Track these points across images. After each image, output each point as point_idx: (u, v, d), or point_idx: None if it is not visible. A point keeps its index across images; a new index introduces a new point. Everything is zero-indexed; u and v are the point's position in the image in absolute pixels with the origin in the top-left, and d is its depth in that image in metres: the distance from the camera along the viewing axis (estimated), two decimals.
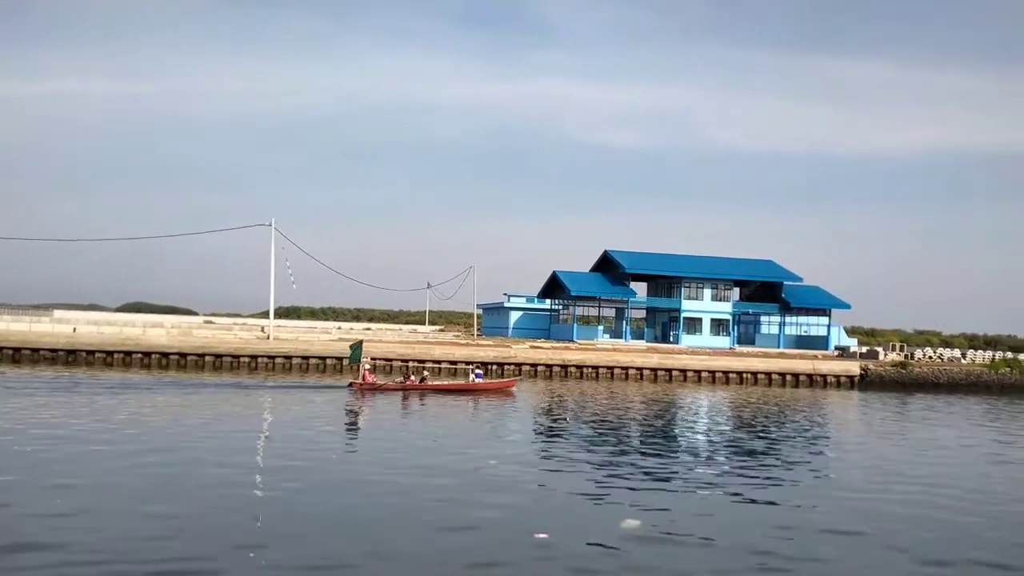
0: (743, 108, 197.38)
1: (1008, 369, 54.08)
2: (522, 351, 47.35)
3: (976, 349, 71.84)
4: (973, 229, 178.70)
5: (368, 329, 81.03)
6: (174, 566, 9.35)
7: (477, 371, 36.51)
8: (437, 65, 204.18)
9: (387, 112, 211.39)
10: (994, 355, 62.63)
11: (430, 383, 33.73)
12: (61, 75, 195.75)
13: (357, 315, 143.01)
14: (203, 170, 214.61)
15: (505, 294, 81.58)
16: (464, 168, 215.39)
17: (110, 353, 41.67)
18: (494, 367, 44.75)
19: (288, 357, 43.36)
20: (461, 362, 44.53)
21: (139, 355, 41.73)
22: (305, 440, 18.97)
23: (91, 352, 41.65)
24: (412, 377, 33.64)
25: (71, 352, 41.50)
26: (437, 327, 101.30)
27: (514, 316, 79.19)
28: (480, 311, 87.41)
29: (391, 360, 43.85)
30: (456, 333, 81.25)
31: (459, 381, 36.21)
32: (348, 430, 22.47)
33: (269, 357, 43.26)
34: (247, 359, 42.85)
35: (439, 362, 44.55)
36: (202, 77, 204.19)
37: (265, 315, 60.45)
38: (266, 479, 14.83)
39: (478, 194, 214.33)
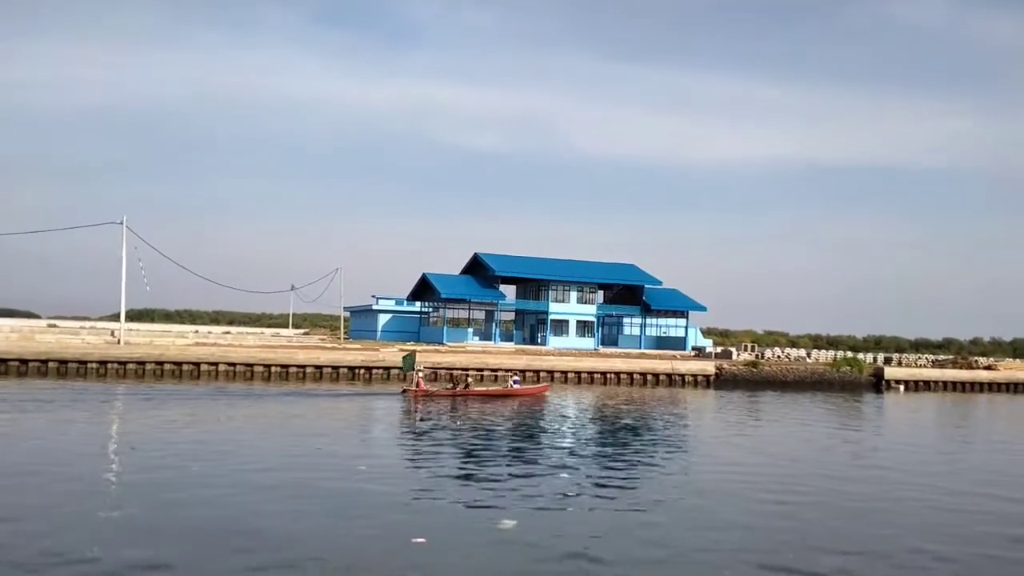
0: (604, 115, 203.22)
1: (848, 367, 58.07)
2: (391, 354, 46.74)
3: (820, 349, 76.69)
4: (818, 236, 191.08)
5: (228, 333, 77.89)
6: None
7: (515, 378, 38.47)
8: (302, 62, 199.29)
9: (249, 109, 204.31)
10: (836, 354, 67.04)
11: (474, 389, 35.85)
12: None
13: (216, 318, 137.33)
14: (47, 165, 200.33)
15: (373, 296, 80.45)
16: (329, 168, 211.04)
17: None
18: (362, 371, 43.99)
19: (141, 363, 41.01)
20: (327, 366, 43.53)
21: None
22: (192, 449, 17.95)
23: None
24: (460, 385, 36.08)
25: None
26: (302, 331, 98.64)
27: (383, 319, 78.20)
28: (347, 314, 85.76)
29: (317, 368, 42.30)
30: (322, 336, 79.35)
31: (499, 387, 37.89)
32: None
33: (120, 363, 40.76)
34: (95, 365, 40.23)
35: (351, 367, 43.36)
36: (49, 66, 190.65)
37: (116, 318, 57.04)
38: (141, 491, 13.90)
39: (344, 195, 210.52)
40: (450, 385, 36.63)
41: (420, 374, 35.63)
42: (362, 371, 44.06)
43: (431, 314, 74.18)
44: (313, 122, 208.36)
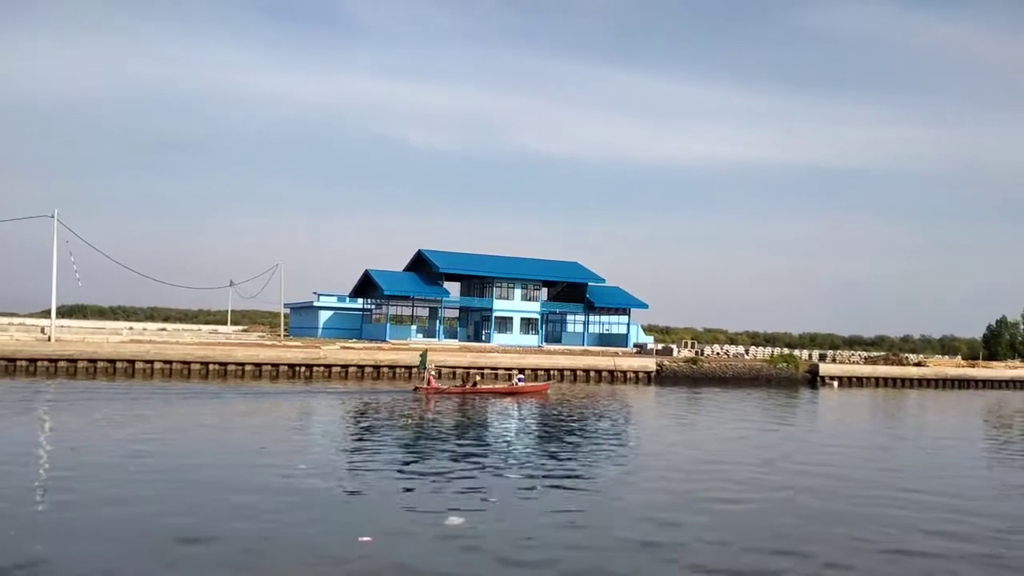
0: (550, 114, 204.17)
1: (784, 364, 59.44)
2: (332, 352, 46.19)
3: (758, 346, 78.39)
4: (756, 235, 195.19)
5: (163, 330, 76.06)
6: None
7: (520, 376, 41.56)
8: (244, 55, 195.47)
9: (187, 101, 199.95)
10: (772, 351, 68.58)
11: (482, 387, 37.53)
12: None
13: (151, 314, 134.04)
14: None
15: (315, 293, 79.25)
16: (271, 163, 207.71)
17: None
18: (302, 369, 43.38)
19: (73, 360, 39.74)
20: (267, 364, 42.81)
21: None
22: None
23: None
24: (468, 383, 38.16)
25: None
26: (241, 327, 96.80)
27: (324, 316, 77.16)
28: (287, 310, 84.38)
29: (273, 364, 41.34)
30: (261, 334, 77.97)
31: (505, 385, 39.84)
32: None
33: (51, 360, 39.44)
34: (25, 363, 38.87)
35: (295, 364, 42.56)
36: None
37: (46, 314, 55.04)
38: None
39: (286, 190, 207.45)
40: (459, 383, 39.01)
41: (433, 373, 37.61)
42: (303, 369, 43.44)
43: (374, 311, 73.51)
44: (256, 116, 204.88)
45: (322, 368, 43.83)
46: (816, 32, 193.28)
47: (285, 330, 78.08)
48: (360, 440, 21.62)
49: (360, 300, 73.56)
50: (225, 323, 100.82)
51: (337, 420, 26.07)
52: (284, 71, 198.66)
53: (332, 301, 78.11)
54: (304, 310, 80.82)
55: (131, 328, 70.99)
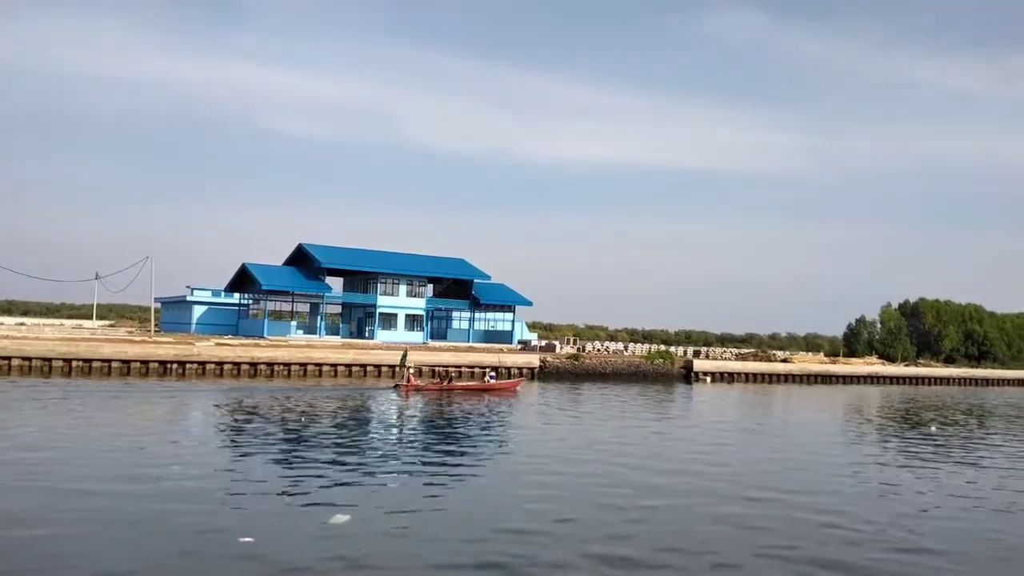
0: (437, 108, 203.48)
1: (662, 360, 61.39)
2: (207, 348, 44.43)
3: (636, 342, 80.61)
4: (632, 234, 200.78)
5: (22, 324, 71.26)
6: None
7: (491, 374, 44.58)
8: (116, 36, 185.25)
9: (45, 81, 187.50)
10: (650, 347, 70.69)
11: (456, 384, 39.72)
12: None
13: (8, 308, 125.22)
14: None
15: (188, 287, 75.94)
16: (140, 149, 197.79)
17: None
18: (174, 366, 41.53)
19: None
20: (136, 361, 40.76)
21: None
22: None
23: None
24: (445, 380, 39.95)
25: None
26: (107, 322, 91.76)
27: (198, 311, 74.09)
28: (158, 305, 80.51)
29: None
30: (129, 329, 74.18)
31: (477, 382, 42.36)
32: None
33: None
34: None
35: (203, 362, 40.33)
36: None
37: None
38: None
39: (156, 178, 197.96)
40: (436, 380, 40.96)
41: (410, 370, 39.94)
42: (175, 366, 41.59)
43: (251, 306, 71.21)
44: (129, 100, 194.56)
45: (196, 365, 42.13)
46: (694, 38, 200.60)
47: (156, 326, 74.49)
48: (239, 439, 20.85)
49: (237, 295, 71.10)
50: (91, 318, 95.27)
51: (213, 419, 25.02)
52: (157, 53, 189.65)
53: (207, 296, 75.14)
54: (176, 305, 77.40)
55: None
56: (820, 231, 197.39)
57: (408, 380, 38.29)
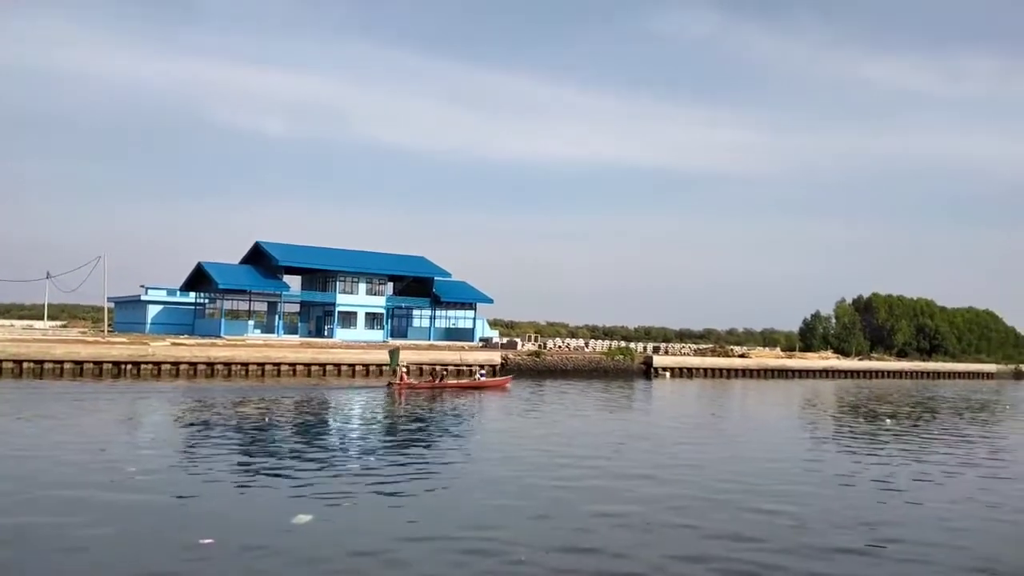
0: (392, 105, 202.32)
1: (622, 356, 61.83)
2: (162, 348, 43.65)
3: (597, 339, 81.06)
4: (592, 231, 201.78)
5: None
6: None
7: (482, 371, 45.63)
8: (57, 31, 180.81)
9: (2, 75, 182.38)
10: (611, 344, 71.15)
11: (448, 382, 40.82)
12: None
13: None
14: None
15: (142, 286, 74.54)
16: (95, 146, 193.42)
17: None
18: (128, 366, 40.72)
19: None
20: (89, 362, 39.90)
21: None
22: None
23: None
24: (437, 378, 41.42)
25: None
26: (59, 323, 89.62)
27: (153, 310, 72.72)
28: (111, 305, 78.91)
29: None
30: (82, 330, 72.58)
31: (468, 380, 42.76)
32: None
33: None
34: None
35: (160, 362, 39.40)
36: None
37: None
38: None
39: (110, 176, 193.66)
40: (429, 378, 42.01)
41: (404, 369, 40.96)
42: (129, 367, 40.79)
43: (207, 306, 70.14)
44: (76, 96, 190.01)
45: (151, 366, 41.38)
46: (655, 36, 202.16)
47: (109, 326, 73.01)
48: (197, 440, 20.50)
49: (192, 294, 69.95)
50: (42, 318, 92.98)
51: (171, 421, 24.55)
52: (106, 46, 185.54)
53: (161, 295, 73.82)
54: (130, 304, 75.92)
55: None
56: (776, 228, 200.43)
57: (401, 379, 38.92)
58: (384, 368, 47.48)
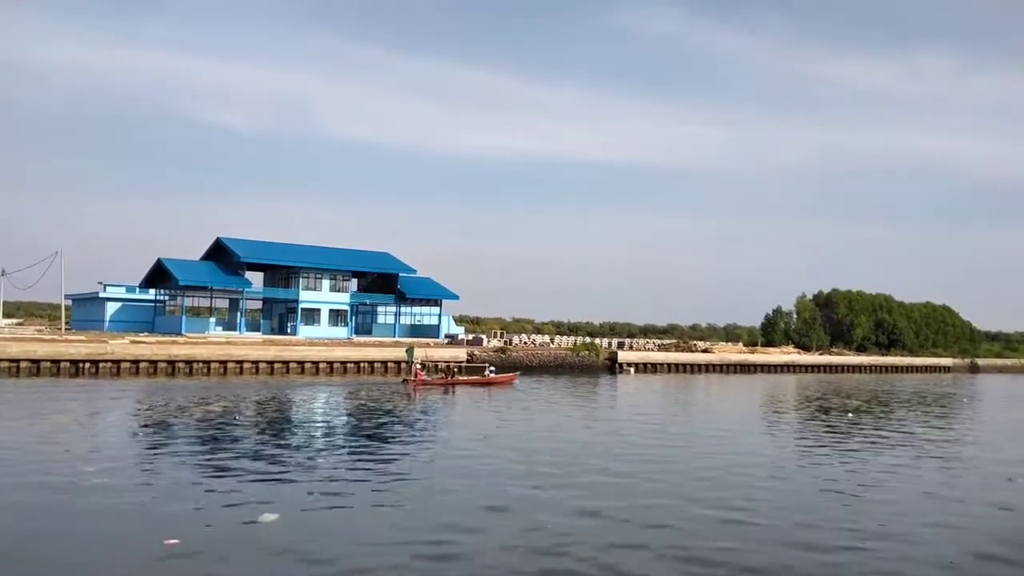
0: (357, 99, 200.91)
1: (587, 352, 62.08)
2: (121, 346, 42.90)
3: (562, 335, 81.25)
4: (555, 227, 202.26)
5: None
6: None
7: (491, 368, 45.72)
8: (14, 20, 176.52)
9: None
10: (576, 340, 71.38)
11: (460, 378, 41.77)
12: None
13: None
14: None
15: (100, 283, 73.21)
16: (50, 140, 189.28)
17: None
18: (87, 365, 39.95)
19: None
20: (46, 360, 39.08)
21: None
22: None
23: None
24: (450, 375, 42.19)
25: None
26: (15, 320, 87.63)
27: (111, 308, 71.44)
28: (69, 302, 77.35)
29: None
30: (39, 327, 71.05)
31: (478, 376, 43.16)
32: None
33: None
34: None
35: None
36: None
37: None
38: None
39: (65, 169, 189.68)
40: (442, 375, 42.72)
41: (419, 366, 41.47)
42: (88, 365, 40.04)
43: (168, 302, 69.09)
44: (32, 88, 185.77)
45: (110, 364, 40.68)
46: (619, 31, 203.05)
47: (67, 323, 71.59)
48: (160, 439, 20.19)
49: (152, 291, 68.82)
50: None
51: (132, 420, 24.13)
52: (61, 37, 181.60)
53: (120, 292, 72.56)
54: (88, 302, 74.52)
55: None
56: (737, 224, 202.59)
57: (416, 375, 39.95)
58: (348, 366, 47.27)
